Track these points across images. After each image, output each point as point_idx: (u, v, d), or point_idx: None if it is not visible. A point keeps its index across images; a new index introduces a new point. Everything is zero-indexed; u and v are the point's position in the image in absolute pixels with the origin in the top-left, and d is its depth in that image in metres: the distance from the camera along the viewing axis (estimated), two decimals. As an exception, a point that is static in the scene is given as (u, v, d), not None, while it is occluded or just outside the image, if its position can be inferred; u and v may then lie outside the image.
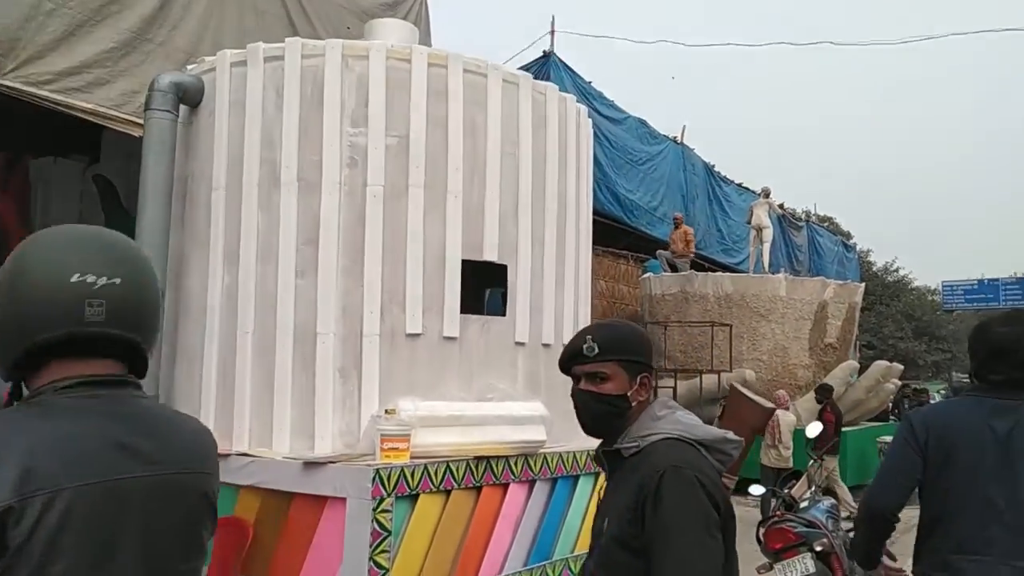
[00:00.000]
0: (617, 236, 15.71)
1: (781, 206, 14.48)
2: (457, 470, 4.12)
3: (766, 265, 13.64)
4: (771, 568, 4.10)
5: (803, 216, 25.86)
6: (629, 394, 1.94)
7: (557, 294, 5.39)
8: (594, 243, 14.58)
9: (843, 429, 11.68)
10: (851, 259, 30.39)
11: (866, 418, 12.55)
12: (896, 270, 44.70)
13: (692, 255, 13.67)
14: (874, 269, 44.12)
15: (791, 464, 10.05)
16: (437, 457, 4.12)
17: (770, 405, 10.11)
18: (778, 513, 4.39)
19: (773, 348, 12.22)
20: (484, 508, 4.27)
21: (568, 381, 2.08)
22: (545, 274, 5.26)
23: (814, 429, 5.83)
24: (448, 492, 4.09)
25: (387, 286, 4.57)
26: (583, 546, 5.08)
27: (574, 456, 4.99)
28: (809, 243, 25.46)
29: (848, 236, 32.41)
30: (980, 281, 48.76)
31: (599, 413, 1.96)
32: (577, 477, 5.01)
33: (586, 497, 5.12)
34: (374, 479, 3.62)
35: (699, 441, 1.88)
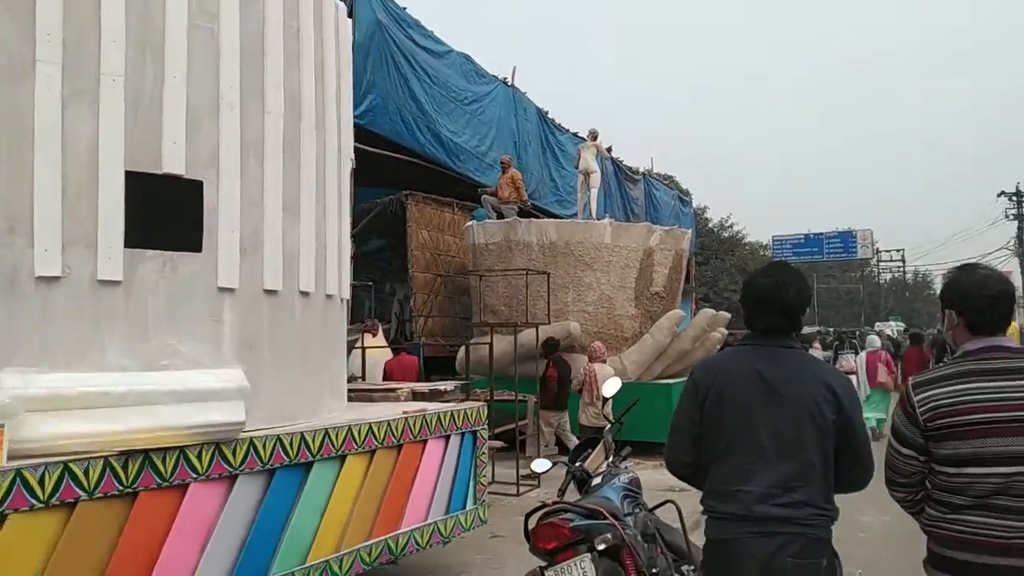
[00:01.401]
0: (442, 182, 14.52)
1: (609, 150, 13.72)
2: (88, 473, 2.82)
3: (593, 212, 12.91)
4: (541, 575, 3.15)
5: (641, 171, 25.59)
6: None
7: (288, 225, 4.13)
8: (416, 189, 13.31)
9: (669, 381, 11.20)
10: (687, 213, 30.72)
11: (695, 369, 12.18)
12: (731, 226, 46.38)
13: (523, 202, 12.70)
14: (710, 225, 45.64)
15: (607, 423, 9.36)
16: (60, 455, 2.80)
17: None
18: (551, 502, 3.45)
19: (599, 298, 11.52)
20: (142, 522, 3.00)
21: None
22: (268, 197, 3.97)
23: (611, 387, 4.95)
24: (72, 505, 2.79)
25: (6, 208, 3.16)
26: (323, 551, 3.94)
27: (303, 438, 3.79)
28: (646, 196, 25.31)
29: (687, 194, 32.77)
30: (806, 236, 52.02)
31: None
32: (309, 464, 3.83)
33: (325, 489, 3.95)
34: None
35: None
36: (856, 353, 14.83)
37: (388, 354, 10.77)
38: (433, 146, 13.75)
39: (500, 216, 12.71)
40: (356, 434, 4.12)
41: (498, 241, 12.04)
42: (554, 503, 3.47)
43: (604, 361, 9.61)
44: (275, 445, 3.57)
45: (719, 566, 2.50)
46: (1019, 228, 42.77)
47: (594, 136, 13.37)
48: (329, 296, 4.69)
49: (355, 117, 12.66)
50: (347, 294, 5.30)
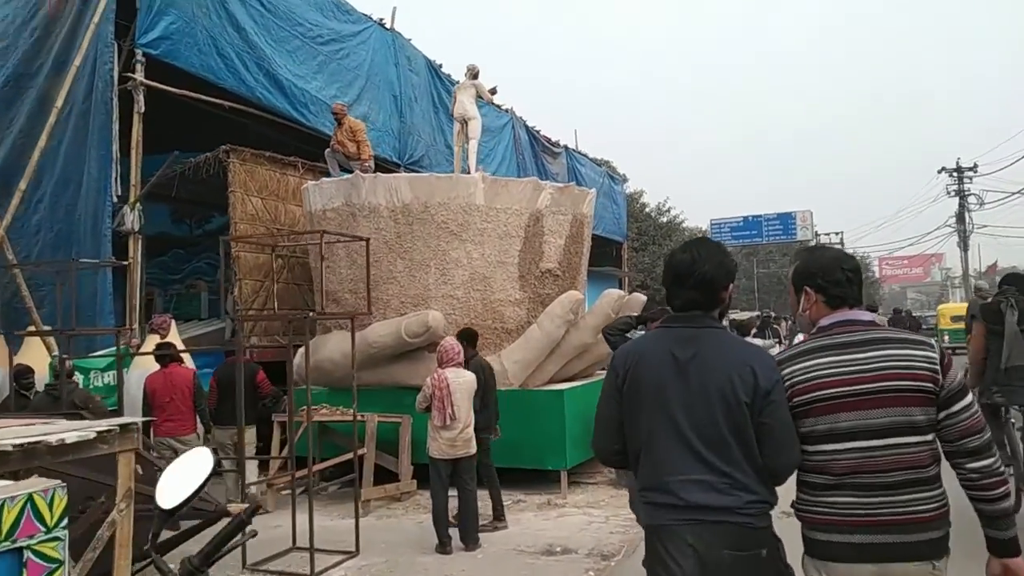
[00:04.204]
0: (285, 140, 11.46)
1: (493, 92, 10.78)
2: None
3: (472, 169, 10.00)
4: None
5: (563, 144, 22.81)
6: None
7: None
8: (241, 144, 10.20)
9: (561, 389, 8.36)
10: (618, 192, 28.06)
11: (603, 366, 9.28)
12: (668, 210, 44.39)
13: (364, 162, 9.64)
14: (647, 210, 43.55)
15: (473, 450, 6.49)
16: None
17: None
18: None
19: (470, 278, 8.60)
20: None
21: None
22: None
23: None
24: None
25: None
26: None
27: None
28: (569, 172, 22.47)
29: (624, 179, 30.01)
30: (745, 219, 50.19)
31: None
32: None
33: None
34: None
35: None
36: (779, 340, 13.21)
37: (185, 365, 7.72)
38: (268, 90, 10.67)
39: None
40: None
41: (338, 206, 9.03)
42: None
43: (461, 364, 6.70)
44: None
45: (657, 550, 2.39)
46: (960, 205, 41.97)
47: (474, 74, 10.42)
48: None
49: (143, 44, 9.55)
50: None
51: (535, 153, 20.61)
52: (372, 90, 13.25)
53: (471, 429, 6.52)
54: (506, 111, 18.72)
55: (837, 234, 57.91)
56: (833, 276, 2.41)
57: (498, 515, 6.99)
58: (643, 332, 4.77)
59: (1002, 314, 6.01)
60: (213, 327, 11.96)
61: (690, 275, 2.43)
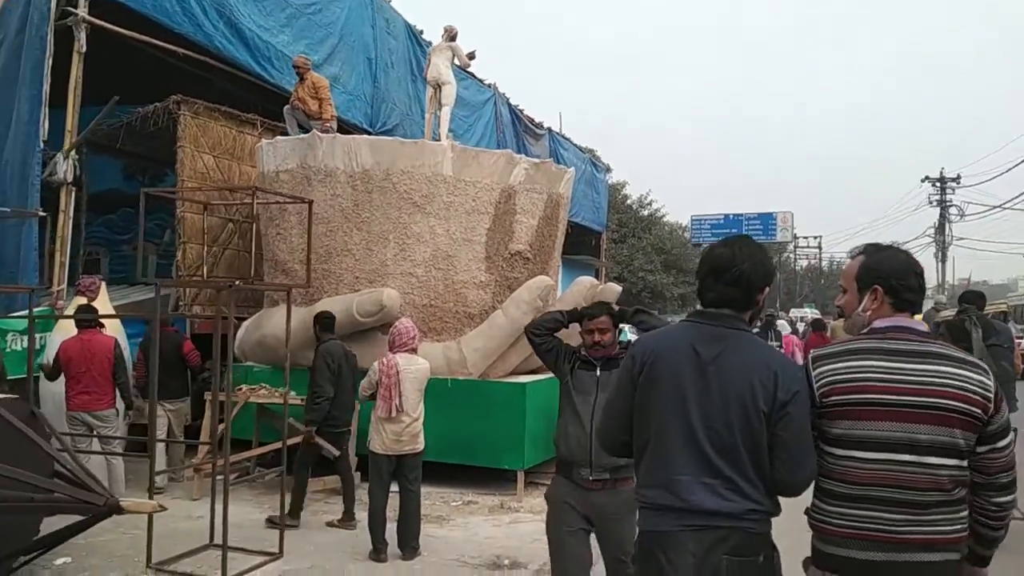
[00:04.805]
0: (245, 96, 10.65)
1: (471, 56, 10.01)
2: None
3: (443, 138, 9.27)
4: None
5: (546, 126, 22.06)
6: None
7: None
8: (192, 95, 9.42)
9: (523, 382, 7.68)
10: (600, 179, 27.35)
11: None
12: (650, 203, 44.01)
13: (326, 122, 8.83)
14: (629, 202, 43.04)
15: (421, 446, 5.81)
16: None
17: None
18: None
19: (432, 256, 7.88)
20: None
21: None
22: None
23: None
24: None
25: None
26: None
27: None
28: (551, 156, 21.73)
29: (608, 169, 29.23)
30: (725, 216, 49.77)
31: None
32: None
33: None
34: None
35: None
36: (779, 343, 12.94)
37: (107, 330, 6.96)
38: (228, 39, 9.81)
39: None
40: None
41: (292, 167, 8.26)
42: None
43: (415, 350, 6.01)
44: None
45: (654, 557, 2.33)
46: (941, 216, 41.94)
47: (451, 36, 9.63)
48: None
49: (91, -19, 8.76)
50: None
51: (517, 133, 19.87)
52: (345, 50, 12.41)
53: (419, 423, 5.82)
54: (489, 86, 17.97)
55: (815, 238, 58.07)
56: (907, 280, 2.33)
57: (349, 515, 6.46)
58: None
59: (967, 331, 6.28)
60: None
61: (728, 270, 2.37)
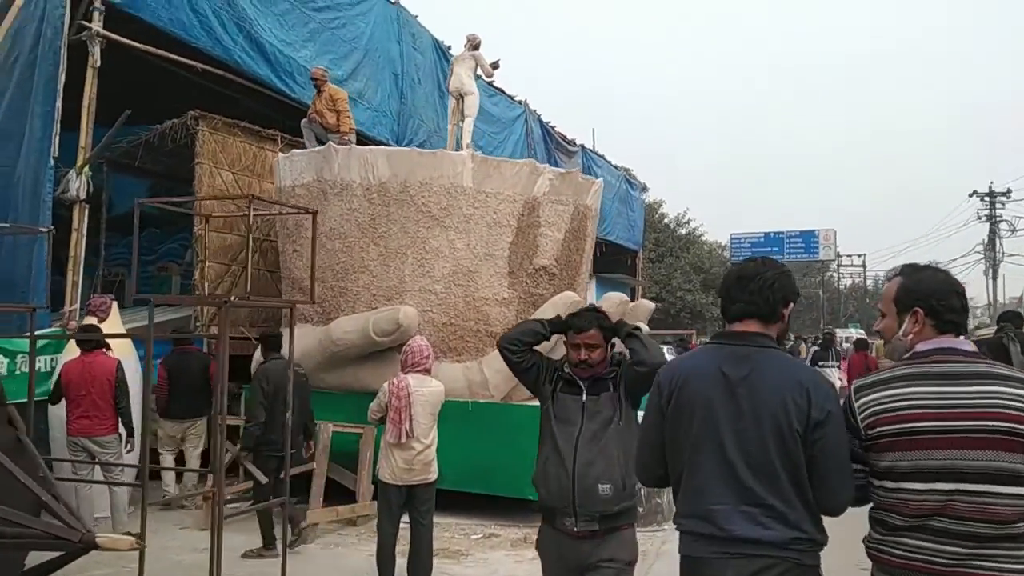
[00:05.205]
0: (266, 113, 10.44)
1: (495, 66, 9.66)
2: None
3: (465, 148, 8.91)
4: None
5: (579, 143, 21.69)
6: None
7: None
8: (211, 112, 9.22)
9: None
10: (636, 198, 26.83)
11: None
12: (688, 221, 43.38)
13: (344, 135, 8.53)
14: (666, 221, 42.46)
15: (433, 476, 5.37)
16: None
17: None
18: None
19: (453, 272, 7.50)
20: None
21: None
22: None
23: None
24: None
25: None
26: None
27: None
28: (584, 173, 21.39)
29: (644, 188, 28.67)
30: (766, 234, 48.95)
31: None
32: None
33: None
34: None
35: None
36: (838, 363, 12.42)
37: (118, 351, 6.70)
38: (248, 54, 9.63)
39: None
40: None
41: (308, 181, 7.97)
42: None
43: (428, 371, 5.59)
44: None
45: None
46: (991, 231, 40.54)
47: (474, 45, 9.32)
48: None
49: (106, -8, 8.62)
50: None
51: (548, 150, 19.56)
52: (370, 66, 12.21)
53: (432, 451, 5.39)
54: (520, 103, 17.70)
55: (859, 256, 56.76)
56: (948, 300, 2.23)
57: (268, 544, 6.01)
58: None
59: (1006, 348, 6.25)
60: (180, 313, 10.94)
61: (752, 278, 2.34)
